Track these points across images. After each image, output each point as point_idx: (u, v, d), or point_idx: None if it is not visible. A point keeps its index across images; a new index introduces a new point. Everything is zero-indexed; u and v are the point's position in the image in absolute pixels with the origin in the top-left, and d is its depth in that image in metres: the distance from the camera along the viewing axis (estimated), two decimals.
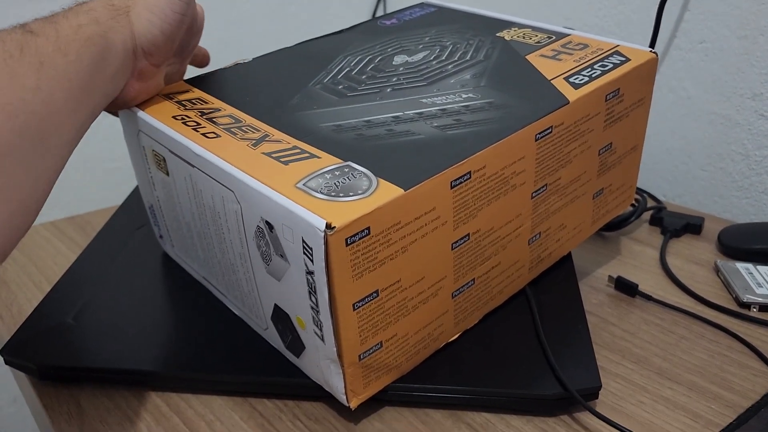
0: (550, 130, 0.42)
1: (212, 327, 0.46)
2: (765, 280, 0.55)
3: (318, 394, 0.41)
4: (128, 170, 0.89)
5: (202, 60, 0.51)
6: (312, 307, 0.36)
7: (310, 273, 0.34)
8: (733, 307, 0.53)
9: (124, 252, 0.55)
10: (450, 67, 0.48)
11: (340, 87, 0.46)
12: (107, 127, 0.80)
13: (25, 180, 0.31)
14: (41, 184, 0.33)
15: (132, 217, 0.61)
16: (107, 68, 0.38)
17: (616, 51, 0.49)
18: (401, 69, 0.48)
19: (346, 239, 0.33)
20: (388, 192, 0.35)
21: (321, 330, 0.36)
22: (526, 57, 0.49)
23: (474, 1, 0.89)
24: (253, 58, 0.53)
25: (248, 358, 0.43)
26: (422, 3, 0.62)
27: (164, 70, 0.44)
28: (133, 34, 0.40)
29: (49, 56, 0.33)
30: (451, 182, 0.37)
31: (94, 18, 0.37)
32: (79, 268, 0.53)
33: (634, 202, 0.66)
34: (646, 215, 0.68)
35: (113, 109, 0.45)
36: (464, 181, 0.38)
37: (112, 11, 0.39)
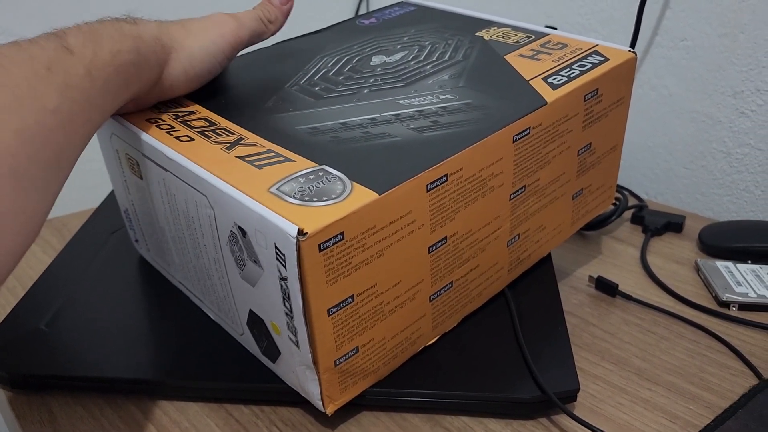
0: (528, 131, 0.42)
1: (188, 332, 0.45)
2: (744, 278, 0.55)
3: (295, 399, 0.40)
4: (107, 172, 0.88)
5: None
6: (286, 313, 0.35)
7: (283, 279, 0.34)
8: (713, 306, 0.53)
9: (100, 256, 0.55)
10: (428, 67, 0.48)
11: (316, 88, 0.46)
12: None
13: (37, 202, 0.30)
14: (50, 203, 0.31)
15: (108, 220, 0.60)
16: (126, 93, 0.37)
17: (595, 51, 0.49)
18: (379, 69, 0.48)
19: (319, 245, 0.32)
20: (362, 196, 0.34)
21: (296, 336, 0.36)
22: (505, 57, 0.48)
23: (456, 0, 0.88)
24: None
25: (224, 364, 0.42)
26: (402, 2, 0.62)
27: None
28: (162, 74, 0.40)
29: (77, 78, 0.32)
30: (427, 185, 0.37)
31: (136, 47, 0.36)
32: (53, 273, 0.52)
33: (615, 201, 0.66)
34: (628, 214, 0.68)
35: None
36: (441, 184, 0.37)
37: (157, 46, 0.38)
